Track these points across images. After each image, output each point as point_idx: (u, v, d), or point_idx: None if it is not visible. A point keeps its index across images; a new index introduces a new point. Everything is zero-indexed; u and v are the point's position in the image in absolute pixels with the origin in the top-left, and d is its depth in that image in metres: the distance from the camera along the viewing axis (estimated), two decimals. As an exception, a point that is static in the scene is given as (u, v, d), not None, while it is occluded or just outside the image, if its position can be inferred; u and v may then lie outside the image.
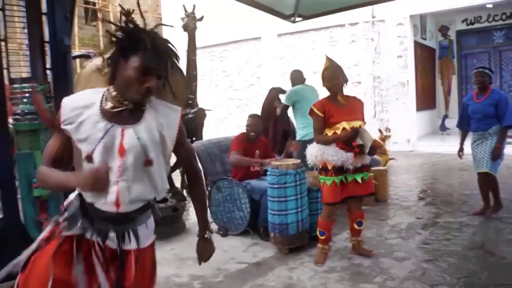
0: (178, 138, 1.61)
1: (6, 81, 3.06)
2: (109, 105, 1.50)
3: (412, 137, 9.96)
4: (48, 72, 3.21)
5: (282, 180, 3.66)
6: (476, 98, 4.47)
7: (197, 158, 2.45)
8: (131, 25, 1.49)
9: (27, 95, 3.14)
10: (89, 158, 1.45)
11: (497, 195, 4.52)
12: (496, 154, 4.28)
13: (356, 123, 3.30)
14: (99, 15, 17.93)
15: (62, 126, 1.49)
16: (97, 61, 4.06)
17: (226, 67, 12.44)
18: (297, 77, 5.65)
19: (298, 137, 5.18)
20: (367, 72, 10.05)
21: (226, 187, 4.29)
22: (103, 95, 1.53)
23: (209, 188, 4.42)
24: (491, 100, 4.32)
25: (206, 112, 5.99)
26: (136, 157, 1.48)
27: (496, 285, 2.93)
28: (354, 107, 3.43)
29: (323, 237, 3.49)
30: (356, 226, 3.58)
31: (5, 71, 3.04)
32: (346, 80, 3.40)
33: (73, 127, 1.48)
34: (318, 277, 3.22)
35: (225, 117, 12.30)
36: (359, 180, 3.37)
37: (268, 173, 3.80)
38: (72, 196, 1.57)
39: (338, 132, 3.28)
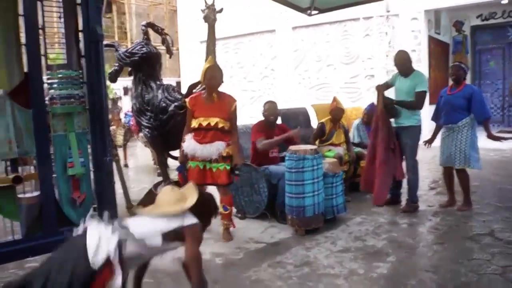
0: None
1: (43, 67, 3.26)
2: None
3: (424, 130, 10.01)
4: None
5: (300, 164, 3.84)
6: (450, 90, 4.58)
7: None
8: None
9: (63, 80, 3.36)
10: None
11: (467, 192, 4.58)
12: (494, 140, 4.47)
13: (213, 120, 3.69)
14: (114, 6, 18.20)
15: None
16: None
17: (241, 58, 12.60)
18: (410, 61, 4.65)
19: (413, 123, 4.78)
20: (380, 66, 10.12)
21: (245, 172, 4.45)
22: None
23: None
24: (463, 93, 4.40)
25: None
26: None
27: (503, 267, 3.09)
28: (221, 106, 3.78)
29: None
30: (222, 211, 3.80)
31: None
32: (222, 82, 3.84)
33: None
34: (333, 256, 3.41)
35: (239, 108, 12.47)
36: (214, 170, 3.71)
37: (287, 158, 3.97)
38: None
39: (196, 125, 3.71)
